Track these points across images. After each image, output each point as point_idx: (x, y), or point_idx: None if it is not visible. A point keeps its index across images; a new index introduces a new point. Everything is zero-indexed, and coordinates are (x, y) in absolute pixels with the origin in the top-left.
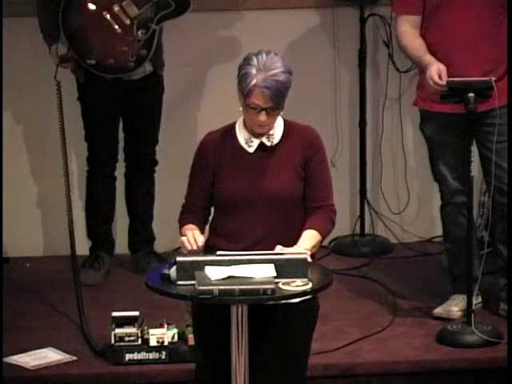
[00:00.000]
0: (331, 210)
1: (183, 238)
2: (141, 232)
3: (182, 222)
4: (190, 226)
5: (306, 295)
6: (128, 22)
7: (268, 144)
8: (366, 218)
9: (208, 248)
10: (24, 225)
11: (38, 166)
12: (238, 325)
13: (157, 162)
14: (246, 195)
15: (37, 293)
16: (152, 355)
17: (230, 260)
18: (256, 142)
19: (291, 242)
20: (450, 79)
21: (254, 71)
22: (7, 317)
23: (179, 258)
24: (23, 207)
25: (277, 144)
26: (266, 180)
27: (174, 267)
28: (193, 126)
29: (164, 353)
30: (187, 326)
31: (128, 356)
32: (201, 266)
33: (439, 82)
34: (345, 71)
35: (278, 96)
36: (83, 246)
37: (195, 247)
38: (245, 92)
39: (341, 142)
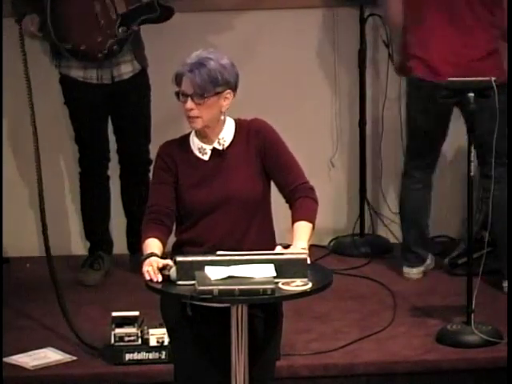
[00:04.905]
0: (308, 189)
1: (145, 270)
2: (138, 232)
3: (147, 232)
4: (152, 243)
5: (306, 295)
6: (114, 16)
7: (220, 148)
8: (366, 218)
9: (175, 252)
10: (24, 225)
11: None
12: (237, 325)
13: (151, 160)
14: (206, 203)
15: (37, 293)
16: (152, 355)
17: (229, 260)
18: (209, 149)
19: (254, 241)
20: (450, 79)
21: (187, 61)
22: (7, 317)
23: (179, 258)
24: (23, 207)
25: (230, 146)
26: (223, 185)
27: (174, 267)
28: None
29: (164, 353)
30: None
31: (128, 356)
32: (201, 265)
33: None
34: (345, 71)
35: (201, 81)
36: (83, 247)
37: (155, 280)
38: (176, 81)
39: (340, 142)
